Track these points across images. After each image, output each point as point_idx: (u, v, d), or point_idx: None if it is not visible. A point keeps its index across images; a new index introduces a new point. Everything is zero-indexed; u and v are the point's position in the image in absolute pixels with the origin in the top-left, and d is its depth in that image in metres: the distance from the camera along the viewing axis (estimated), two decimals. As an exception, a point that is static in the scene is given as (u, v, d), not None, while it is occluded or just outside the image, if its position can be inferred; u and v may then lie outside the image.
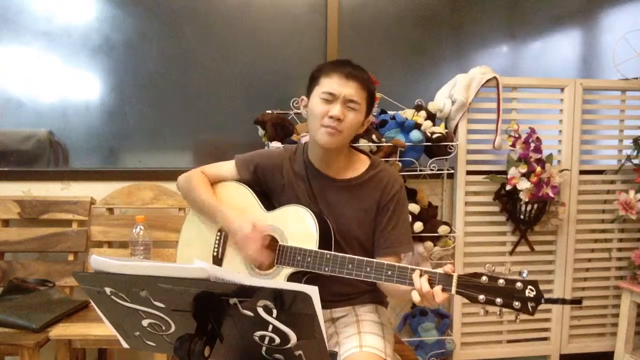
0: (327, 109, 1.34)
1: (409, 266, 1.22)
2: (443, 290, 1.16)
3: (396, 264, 1.25)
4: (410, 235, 1.47)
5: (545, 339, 2.51)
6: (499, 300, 1.13)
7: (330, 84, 1.34)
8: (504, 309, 1.14)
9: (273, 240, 1.39)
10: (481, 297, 1.14)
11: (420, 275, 1.18)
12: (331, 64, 1.40)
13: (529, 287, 1.12)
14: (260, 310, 0.85)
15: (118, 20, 2.31)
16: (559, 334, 2.49)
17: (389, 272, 1.24)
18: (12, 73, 2.27)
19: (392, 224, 1.42)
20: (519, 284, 1.12)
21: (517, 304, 1.12)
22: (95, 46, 2.30)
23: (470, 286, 1.15)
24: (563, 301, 1.16)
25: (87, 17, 2.29)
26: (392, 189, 1.43)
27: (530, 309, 1.12)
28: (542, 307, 2.70)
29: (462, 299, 2.58)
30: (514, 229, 2.41)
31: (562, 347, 2.50)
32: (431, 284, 1.17)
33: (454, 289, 1.16)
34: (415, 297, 1.17)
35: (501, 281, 1.13)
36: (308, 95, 1.41)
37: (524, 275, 1.13)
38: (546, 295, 1.12)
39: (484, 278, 1.14)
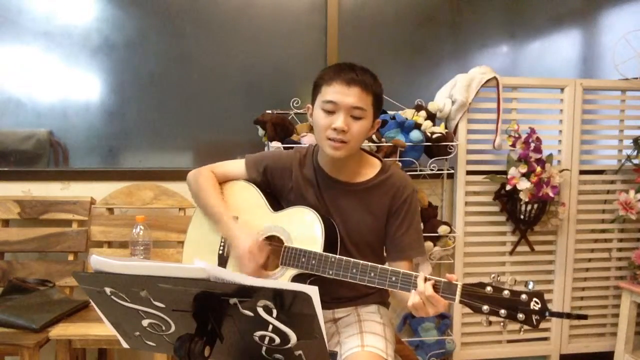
0: (330, 120, 1.29)
1: (413, 273, 1.21)
2: (446, 298, 1.15)
3: (400, 270, 1.23)
4: (422, 239, 1.45)
5: (545, 339, 2.51)
6: (502, 311, 1.11)
7: (332, 92, 1.29)
8: (507, 320, 1.12)
9: (279, 241, 1.38)
10: (485, 307, 1.12)
11: (425, 281, 1.17)
12: (333, 71, 1.33)
13: (534, 299, 1.09)
14: (260, 310, 0.85)
15: (118, 20, 2.31)
16: (559, 334, 2.49)
17: (393, 278, 1.23)
18: (12, 73, 2.26)
19: (404, 229, 1.40)
20: (524, 296, 1.10)
21: (521, 316, 1.10)
22: (95, 46, 2.30)
23: (474, 296, 1.13)
24: (568, 315, 1.12)
25: (87, 17, 2.29)
26: (404, 194, 1.40)
27: (535, 322, 1.09)
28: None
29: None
30: (514, 229, 2.41)
31: (562, 347, 2.50)
32: (435, 290, 1.15)
33: (457, 297, 1.14)
34: (415, 299, 1.16)
35: (506, 292, 1.11)
36: (312, 103, 1.37)
37: (530, 286, 1.10)
38: (551, 309, 1.09)
39: (489, 288, 1.12)
